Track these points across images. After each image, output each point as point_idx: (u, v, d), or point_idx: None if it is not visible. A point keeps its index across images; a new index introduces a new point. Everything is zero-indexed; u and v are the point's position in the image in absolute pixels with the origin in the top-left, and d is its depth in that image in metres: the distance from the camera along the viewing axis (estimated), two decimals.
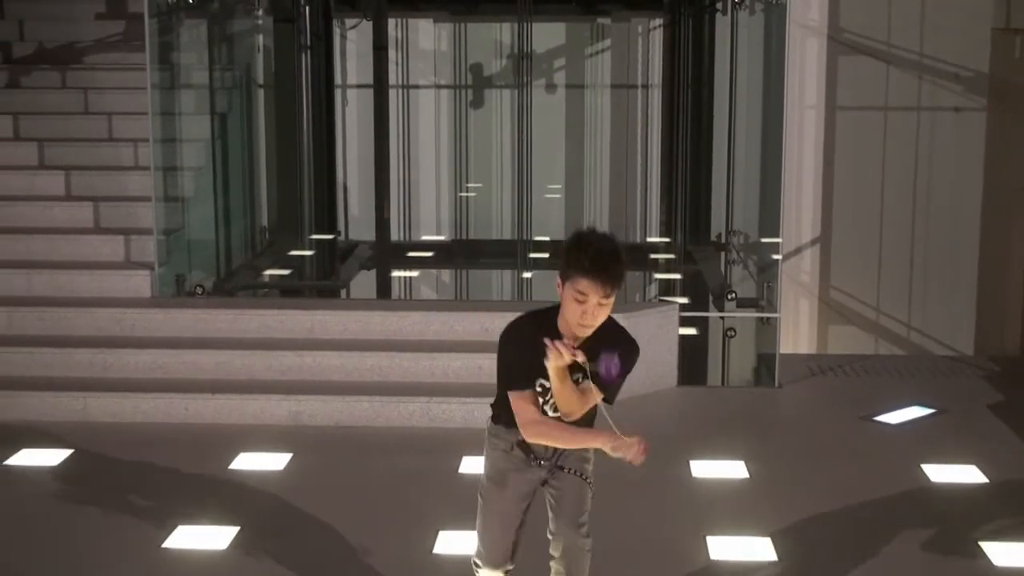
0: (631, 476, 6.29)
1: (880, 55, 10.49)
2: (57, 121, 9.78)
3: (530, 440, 3.98)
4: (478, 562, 4.30)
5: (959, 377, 8.43)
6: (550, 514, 4.23)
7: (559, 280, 3.80)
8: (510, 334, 3.99)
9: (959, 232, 10.66)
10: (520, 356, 3.91)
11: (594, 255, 3.70)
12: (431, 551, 5.35)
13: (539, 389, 3.92)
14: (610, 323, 3.88)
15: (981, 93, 10.59)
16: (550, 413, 3.97)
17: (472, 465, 6.48)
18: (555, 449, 4.07)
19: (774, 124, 8.44)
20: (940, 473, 6.36)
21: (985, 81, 10.60)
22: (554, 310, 3.90)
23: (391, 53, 11.53)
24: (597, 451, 4.05)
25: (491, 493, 4.20)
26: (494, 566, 4.26)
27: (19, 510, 5.90)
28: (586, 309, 3.74)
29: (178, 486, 6.17)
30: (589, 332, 3.81)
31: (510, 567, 4.28)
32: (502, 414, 4.09)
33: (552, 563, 4.29)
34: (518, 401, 3.93)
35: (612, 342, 3.85)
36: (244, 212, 10.33)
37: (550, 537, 4.25)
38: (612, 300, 3.76)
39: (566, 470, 4.13)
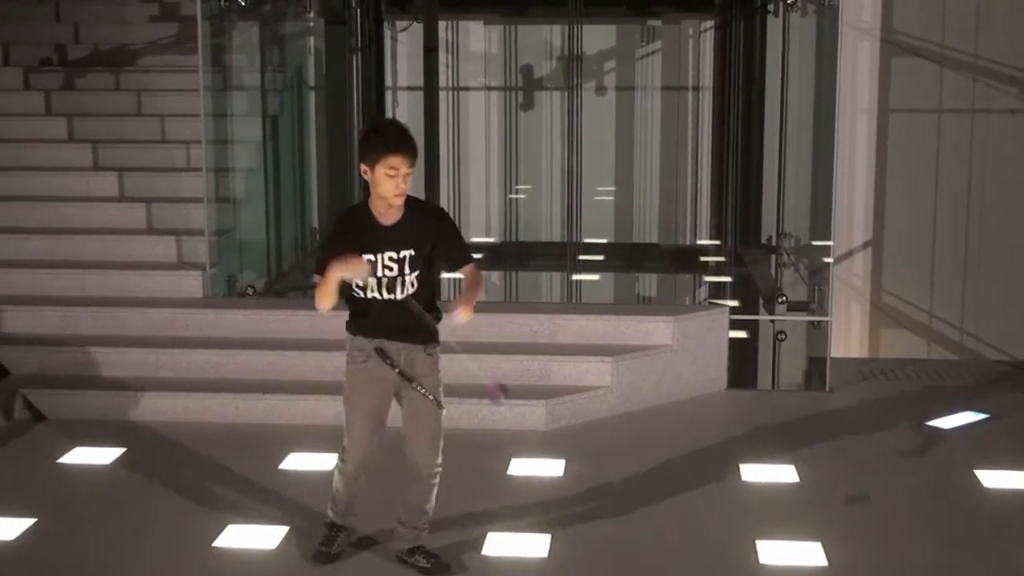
0: (681, 478, 6.28)
1: (934, 57, 10.39)
2: (111, 123, 9.87)
3: (324, 308, 4.71)
4: (344, 459, 5.09)
5: (1013, 382, 8.34)
6: (405, 435, 4.99)
7: (364, 168, 4.72)
8: (334, 224, 5.10)
9: (1013, 235, 10.53)
10: (334, 244, 4.80)
11: (395, 135, 4.69)
12: (480, 552, 5.35)
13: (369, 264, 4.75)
14: (412, 201, 4.82)
15: None
16: (372, 291, 4.80)
17: (520, 467, 6.48)
18: (407, 357, 4.91)
19: (826, 126, 8.38)
20: (994, 479, 6.29)
21: None
22: (363, 204, 4.86)
23: (441, 55, 11.55)
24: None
25: (352, 397, 5.00)
26: (356, 463, 5.06)
27: (72, 508, 5.95)
28: (398, 180, 4.68)
29: (228, 485, 6.20)
30: (402, 199, 4.73)
31: (364, 476, 5.13)
32: (354, 320, 4.94)
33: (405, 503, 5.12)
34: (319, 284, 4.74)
35: (424, 212, 4.89)
36: (295, 213, 10.37)
37: (409, 460, 5.02)
38: (412, 170, 4.70)
39: (420, 389, 4.91)
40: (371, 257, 4.74)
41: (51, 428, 7.17)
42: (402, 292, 4.83)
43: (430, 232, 4.85)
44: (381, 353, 4.91)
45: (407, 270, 4.81)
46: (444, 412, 5.04)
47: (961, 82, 10.40)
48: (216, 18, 8.90)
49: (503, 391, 4.92)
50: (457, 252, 4.93)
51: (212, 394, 7.35)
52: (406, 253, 4.79)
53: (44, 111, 10.07)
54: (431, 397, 4.96)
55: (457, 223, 12.42)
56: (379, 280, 4.79)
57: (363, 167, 4.74)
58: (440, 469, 5.07)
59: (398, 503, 5.19)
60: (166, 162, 9.46)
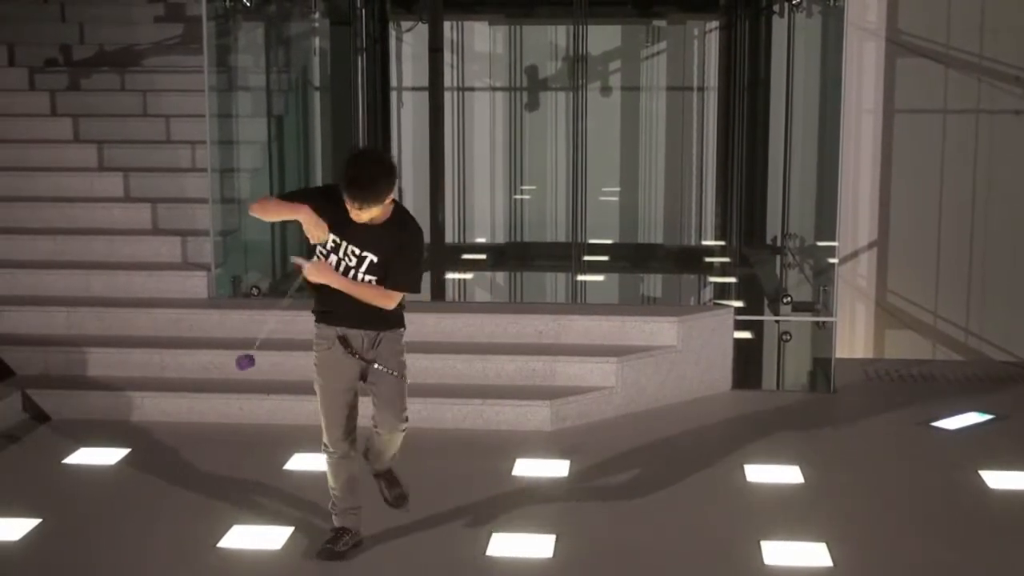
0: (686, 479, 6.28)
1: (939, 57, 10.39)
2: (116, 123, 9.88)
3: (252, 212, 5.04)
4: (326, 446, 5.27)
5: (1018, 383, 8.33)
6: (374, 408, 5.18)
7: None
8: (320, 188, 5.35)
9: (1018, 236, 10.52)
10: (311, 196, 5.01)
11: (350, 179, 4.77)
12: (484, 553, 5.35)
13: (331, 244, 4.94)
14: (399, 214, 5.01)
15: None
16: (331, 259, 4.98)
17: (525, 467, 6.49)
18: (368, 343, 5.09)
19: (831, 127, 8.37)
20: (999, 480, 6.29)
21: None
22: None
23: (446, 55, 11.55)
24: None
25: (321, 394, 5.22)
26: (335, 446, 5.24)
27: (77, 508, 5.96)
28: (352, 209, 4.82)
29: (233, 486, 6.20)
30: (364, 221, 4.87)
31: (352, 453, 5.28)
32: (320, 309, 5.14)
33: (369, 442, 5.34)
34: (272, 198, 5.15)
35: (402, 229, 4.99)
36: None
37: (373, 425, 5.22)
38: (371, 209, 4.81)
39: (381, 367, 5.09)
40: (335, 238, 4.93)
41: (56, 428, 7.18)
42: None
43: (394, 249, 4.97)
44: (343, 342, 5.10)
45: (363, 269, 4.96)
46: (407, 382, 5.22)
47: (966, 83, 10.39)
48: (221, 19, 8.91)
49: (248, 360, 5.15)
50: (396, 274, 5.02)
51: (216, 394, 7.36)
52: (369, 255, 4.95)
53: (49, 111, 10.09)
54: (392, 372, 5.12)
55: (462, 223, 12.44)
56: (337, 262, 4.97)
57: None
58: (404, 428, 5.25)
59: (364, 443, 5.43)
60: (171, 162, 9.47)
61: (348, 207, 4.81)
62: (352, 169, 4.80)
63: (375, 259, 4.95)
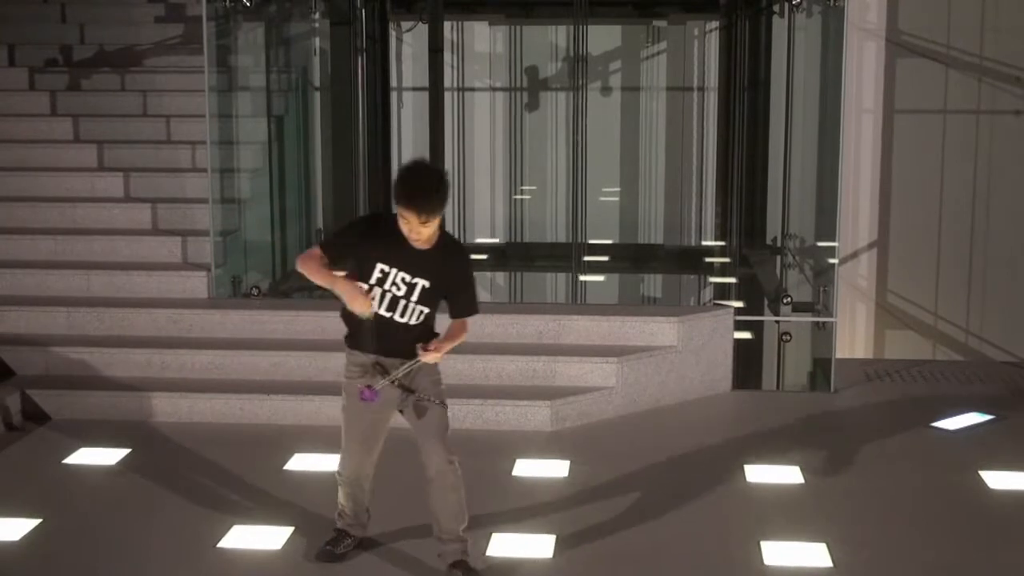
0: (686, 480, 6.28)
1: (939, 58, 10.39)
2: (116, 123, 9.88)
3: (298, 268, 4.84)
4: (341, 471, 5.14)
5: (1018, 383, 8.33)
6: (420, 447, 4.97)
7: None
8: (365, 218, 5.13)
9: (1019, 236, 10.53)
10: (351, 237, 4.91)
11: (410, 190, 4.58)
12: (484, 553, 5.35)
13: (379, 274, 4.76)
14: (448, 239, 4.85)
15: None
16: (376, 307, 4.78)
17: (525, 468, 6.49)
18: (404, 365, 4.83)
19: (831, 127, 8.38)
20: (999, 480, 6.29)
21: None
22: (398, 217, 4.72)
23: (447, 56, 11.55)
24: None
25: (350, 412, 5.02)
26: (353, 476, 5.11)
27: (77, 509, 5.96)
28: (410, 228, 4.64)
29: (233, 486, 6.21)
30: (421, 244, 4.71)
31: (366, 485, 5.16)
32: (352, 335, 4.94)
33: (430, 495, 5.03)
34: (314, 252, 4.85)
35: (454, 254, 4.86)
36: (300, 214, 10.38)
37: (426, 476, 4.99)
38: (433, 221, 4.63)
39: (422, 397, 4.88)
40: (383, 268, 4.75)
41: (56, 428, 7.18)
42: (402, 316, 4.82)
43: (452, 275, 4.86)
44: (379, 368, 4.90)
45: (415, 297, 4.80)
46: (448, 410, 5.03)
47: (966, 83, 10.40)
48: (221, 19, 8.91)
49: (372, 393, 4.85)
50: (466, 303, 4.94)
51: (217, 395, 7.36)
52: (420, 282, 4.79)
53: (50, 112, 10.09)
54: (434, 400, 4.94)
55: (463, 224, 12.45)
56: (383, 294, 4.79)
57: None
58: (455, 464, 5.00)
59: (430, 517, 5.11)
60: (171, 163, 9.48)
61: (408, 227, 4.64)
62: (411, 180, 4.62)
63: (427, 285, 4.79)
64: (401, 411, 5.00)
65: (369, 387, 4.78)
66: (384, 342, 4.85)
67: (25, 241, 8.69)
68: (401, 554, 5.35)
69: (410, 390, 4.90)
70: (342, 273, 4.85)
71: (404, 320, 4.82)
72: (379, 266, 4.75)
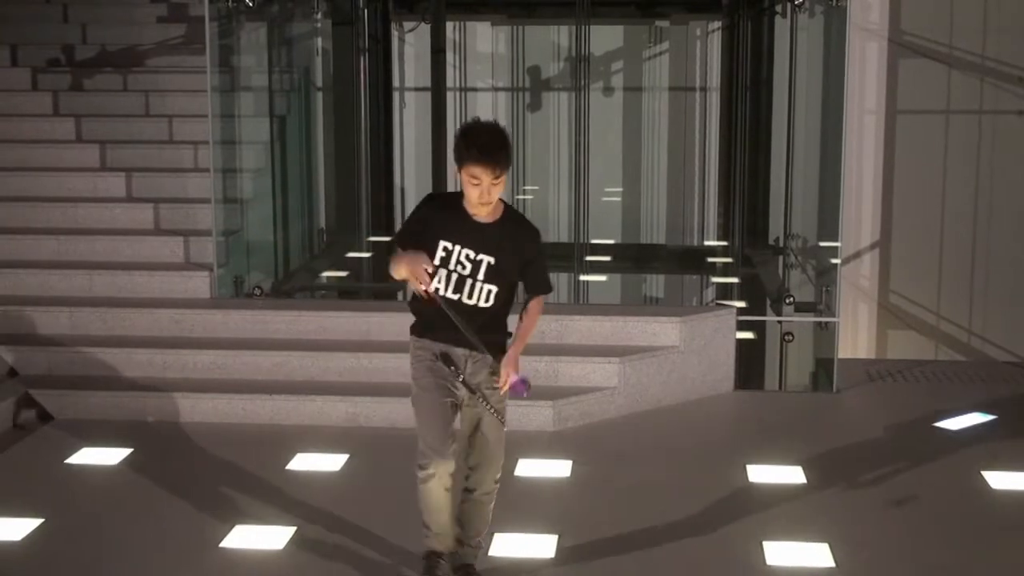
0: (688, 480, 6.28)
1: (941, 58, 10.39)
2: (119, 123, 9.88)
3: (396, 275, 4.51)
4: (423, 462, 4.67)
5: (1020, 383, 8.33)
6: (467, 458, 4.75)
7: (456, 168, 4.44)
8: (424, 200, 4.68)
9: (1021, 236, 10.52)
10: (415, 222, 4.61)
11: (481, 145, 4.34)
12: (486, 553, 5.35)
13: (442, 253, 4.52)
14: (512, 212, 4.60)
15: None
16: (442, 289, 4.51)
17: (527, 468, 6.49)
18: (471, 363, 4.63)
19: (833, 127, 8.37)
20: (1001, 480, 6.28)
21: None
22: (458, 193, 4.51)
23: (449, 56, 11.56)
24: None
25: (421, 396, 4.67)
26: (438, 454, 4.61)
27: (79, 508, 5.96)
28: (482, 190, 4.38)
29: (236, 486, 6.21)
30: (489, 208, 4.46)
31: (451, 468, 4.66)
32: (419, 320, 4.70)
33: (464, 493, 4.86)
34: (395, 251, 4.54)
35: (520, 226, 4.60)
36: (302, 214, 10.39)
37: (464, 486, 4.81)
38: (503, 179, 4.40)
39: (484, 404, 4.63)
40: (447, 244, 4.48)
41: (59, 428, 7.18)
42: (470, 297, 4.55)
43: (520, 248, 4.59)
44: (446, 359, 4.62)
45: (480, 275, 4.52)
46: (505, 430, 4.79)
47: (969, 83, 10.39)
48: (224, 19, 8.92)
49: (525, 385, 4.55)
50: (540, 277, 4.69)
51: (219, 395, 7.36)
52: (485, 258, 4.52)
53: (52, 112, 10.09)
54: (495, 412, 4.68)
55: None
56: (448, 274, 4.52)
57: (455, 167, 4.48)
58: (497, 486, 4.84)
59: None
60: (174, 163, 9.48)
61: (478, 190, 4.36)
62: (481, 134, 4.38)
63: (492, 261, 4.52)
64: (456, 407, 4.71)
65: (523, 380, 4.51)
66: (453, 328, 4.53)
67: (27, 241, 8.69)
68: (402, 553, 5.35)
69: (472, 390, 4.65)
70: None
71: (473, 302, 4.55)
72: (442, 243, 4.50)
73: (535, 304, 4.70)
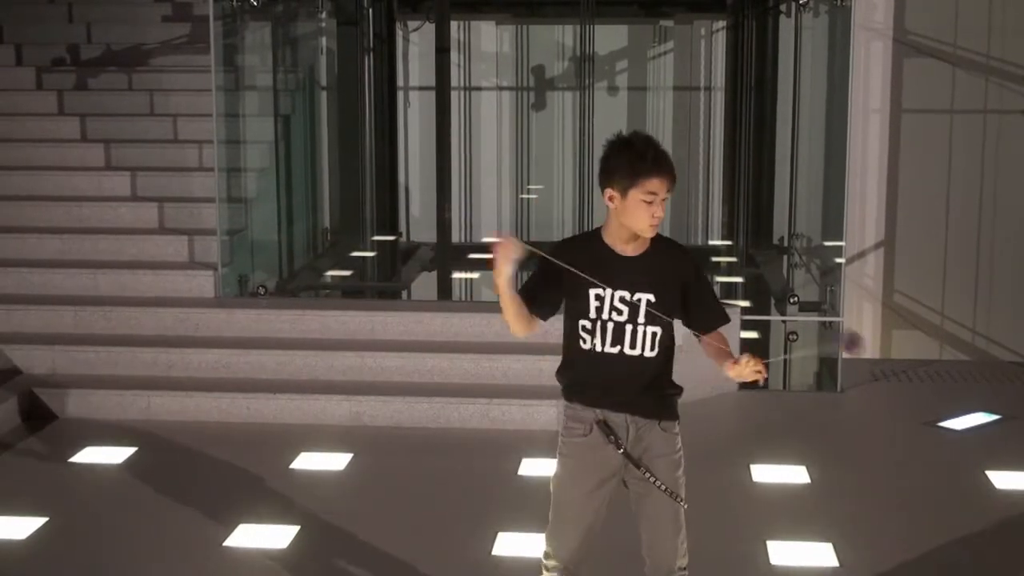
0: (692, 480, 6.27)
1: (946, 57, 10.37)
2: (123, 123, 9.88)
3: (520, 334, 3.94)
4: (550, 557, 4.08)
5: None
6: (641, 535, 4.03)
7: (612, 193, 3.80)
8: (554, 248, 3.96)
9: None
10: (546, 273, 3.89)
11: (655, 154, 3.75)
12: (490, 553, 5.35)
13: (596, 303, 3.82)
14: (660, 237, 3.91)
15: None
16: (596, 340, 3.83)
17: (531, 467, 6.49)
18: (634, 430, 3.88)
19: (838, 127, 8.37)
20: (1005, 480, 6.28)
21: None
22: (594, 232, 3.93)
23: (453, 55, 11.55)
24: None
25: (564, 480, 4.00)
26: (562, 561, 4.04)
27: (83, 507, 5.97)
28: (655, 209, 3.75)
29: (239, 485, 6.21)
30: (655, 231, 3.82)
31: (585, 573, 4.07)
32: (569, 379, 3.96)
33: None
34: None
35: (672, 249, 3.93)
36: (307, 213, 10.39)
37: (645, 558, 4.07)
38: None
39: (651, 477, 3.88)
40: (599, 291, 3.81)
41: (63, 427, 7.19)
42: (632, 347, 3.84)
43: (678, 275, 3.90)
44: (604, 427, 3.88)
45: (640, 318, 3.82)
46: (685, 507, 3.98)
47: (974, 83, 10.37)
48: (228, 18, 8.92)
49: (854, 342, 3.99)
50: (712, 307, 3.98)
51: (223, 393, 7.36)
52: (643, 296, 3.80)
53: (57, 111, 10.10)
54: (666, 488, 3.91)
55: (469, 223, 12.40)
56: (603, 325, 3.83)
57: (609, 192, 3.81)
58: (686, 572, 4.05)
59: None
60: (178, 162, 9.48)
61: (649, 210, 3.75)
62: (646, 145, 3.78)
63: (652, 298, 3.81)
64: (625, 484, 4.00)
65: (853, 336, 3.77)
66: (613, 390, 3.88)
67: (32, 240, 8.70)
68: (406, 551, 5.35)
69: (637, 463, 3.90)
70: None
71: (637, 352, 3.84)
72: (593, 292, 3.81)
73: (718, 337, 3.98)
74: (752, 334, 8.28)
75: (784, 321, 8.57)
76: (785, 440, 6.99)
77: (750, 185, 10.64)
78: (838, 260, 8.30)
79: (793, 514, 5.85)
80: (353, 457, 6.62)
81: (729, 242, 11.34)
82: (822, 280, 8.86)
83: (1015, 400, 7.81)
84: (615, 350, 3.83)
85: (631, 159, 3.75)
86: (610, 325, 3.82)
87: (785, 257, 10.00)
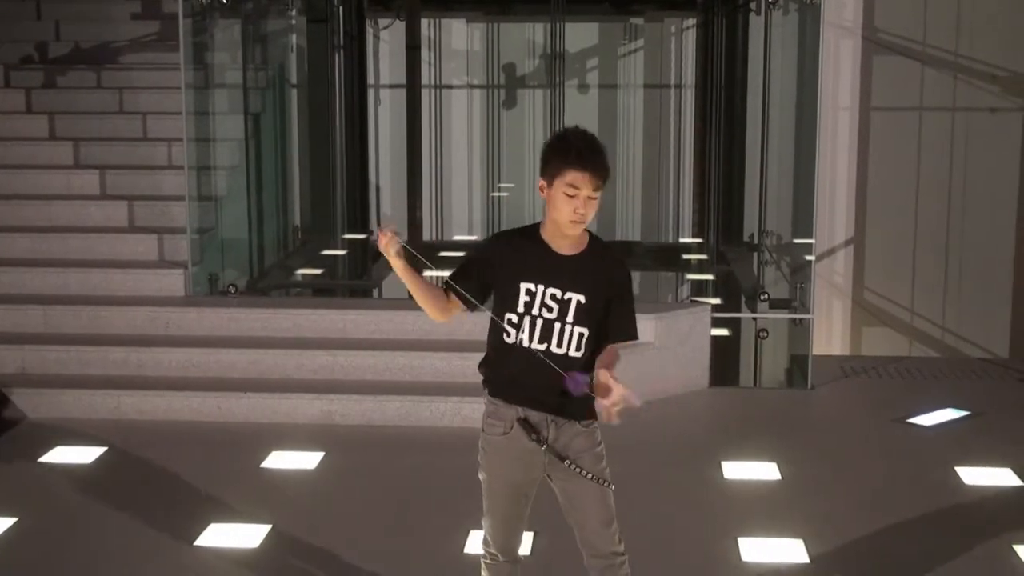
0: (663, 477, 6.29)
1: (915, 55, 10.44)
2: (92, 121, 9.84)
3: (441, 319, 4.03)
4: (488, 550, 4.16)
5: (993, 379, 8.37)
6: (572, 524, 4.03)
7: (542, 182, 3.83)
8: (490, 238, 4.10)
9: (994, 233, 10.58)
10: (480, 262, 3.95)
11: (581, 148, 3.71)
12: (462, 550, 5.35)
13: (526, 297, 3.81)
14: (597, 242, 3.91)
15: (1017, 93, 10.51)
16: (526, 341, 3.81)
17: None
18: (555, 428, 3.86)
19: (808, 124, 8.40)
20: (974, 476, 6.32)
21: (1022, 81, 10.53)
22: (533, 226, 3.94)
23: (424, 53, 11.55)
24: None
25: (488, 480, 4.05)
26: (497, 549, 4.12)
27: (52, 507, 5.93)
28: (577, 204, 3.71)
29: (210, 484, 6.19)
30: (581, 228, 3.79)
31: (519, 559, 4.19)
32: (492, 373, 3.97)
33: None
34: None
35: (608, 257, 3.91)
36: (277, 211, 10.37)
37: (582, 549, 4.05)
38: (598, 195, 3.74)
39: (573, 467, 3.85)
40: (530, 286, 3.80)
41: (32, 427, 7.15)
42: (560, 345, 3.81)
43: (611, 282, 3.88)
44: (525, 425, 3.86)
45: (569, 318, 3.79)
46: (613, 488, 3.97)
47: (942, 80, 10.44)
48: (198, 16, 8.89)
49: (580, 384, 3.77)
50: (627, 321, 3.96)
51: (194, 393, 7.34)
52: (573, 296, 3.79)
53: (25, 109, 10.04)
54: (592, 476, 3.88)
55: (440, 222, 12.40)
56: (531, 320, 3.81)
57: (541, 181, 3.84)
58: (624, 557, 4.06)
59: None
60: (148, 160, 9.44)
61: (571, 205, 3.72)
62: (580, 138, 3.75)
63: (582, 300, 3.79)
64: (549, 478, 3.99)
65: (583, 372, 3.72)
66: (535, 388, 3.84)
67: (1, 239, 8.64)
68: (388, 550, 5.34)
69: (561, 457, 3.87)
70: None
71: (563, 350, 3.81)
72: (523, 286, 3.80)
73: (613, 353, 3.92)
74: (723, 331, 8.30)
75: (755, 318, 8.60)
76: (756, 437, 7.01)
77: (720, 182, 10.68)
78: (808, 257, 8.33)
79: (764, 511, 5.86)
80: (324, 456, 6.61)
81: (700, 239, 11.38)
82: (792, 277, 8.90)
83: (984, 396, 7.86)
84: (542, 347, 3.81)
85: (560, 150, 3.77)
86: (539, 321, 3.80)
87: (755, 254, 10.04)
